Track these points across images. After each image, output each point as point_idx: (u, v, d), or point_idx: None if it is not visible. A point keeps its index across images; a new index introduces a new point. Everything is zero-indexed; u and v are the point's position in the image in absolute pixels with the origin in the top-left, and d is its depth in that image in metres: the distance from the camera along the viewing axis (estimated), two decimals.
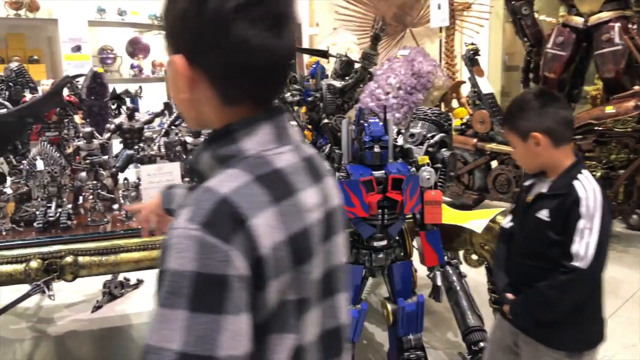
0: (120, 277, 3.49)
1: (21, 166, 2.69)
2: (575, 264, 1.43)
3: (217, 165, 0.80)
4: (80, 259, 2.13)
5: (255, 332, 0.73)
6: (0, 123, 2.30)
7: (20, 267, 2.06)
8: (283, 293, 0.76)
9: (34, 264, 2.06)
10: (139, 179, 2.49)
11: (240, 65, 0.78)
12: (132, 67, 5.34)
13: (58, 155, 2.36)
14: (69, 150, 2.72)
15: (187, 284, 0.68)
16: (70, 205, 2.35)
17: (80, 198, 2.53)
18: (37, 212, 2.23)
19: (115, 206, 2.48)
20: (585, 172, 1.52)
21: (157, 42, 5.56)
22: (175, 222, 0.73)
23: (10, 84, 2.90)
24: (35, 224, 2.19)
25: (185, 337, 0.67)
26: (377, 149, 1.81)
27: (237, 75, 0.79)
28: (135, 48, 5.40)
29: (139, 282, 3.64)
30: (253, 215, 0.72)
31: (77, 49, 4.82)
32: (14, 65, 2.95)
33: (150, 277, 3.56)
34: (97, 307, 3.34)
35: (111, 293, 3.45)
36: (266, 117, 0.82)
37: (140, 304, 3.50)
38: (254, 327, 0.72)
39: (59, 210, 2.24)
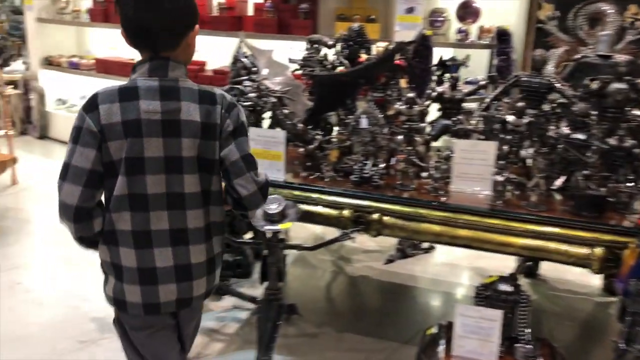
0: None
1: (347, 120, 2.94)
2: None
3: None
4: (385, 218, 2.23)
5: (107, 170, 1.44)
6: (336, 82, 2.52)
7: (335, 212, 2.28)
8: (119, 151, 1.43)
9: (346, 212, 2.25)
10: (451, 151, 2.44)
11: (124, 29, 1.46)
12: (458, 31, 5.27)
13: (381, 116, 2.48)
14: (390, 112, 2.85)
15: (72, 131, 1.44)
16: (383, 165, 2.46)
17: (392, 160, 2.64)
18: (355, 167, 2.41)
19: (424, 174, 2.51)
20: None
21: (489, 5, 5.35)
22: None
23: (350, 42, 3.15)
24: (351, 177, 2.37)
25: (66, 154, 1.44)
26: None
27: (126, 34, 1.47)
28: (466, 12, 5.29)
29: (431, 248, 3.70)
30: (101, 105, 1.42)
31: (410, 10, 4.98)
32: (355, 25, 3.18)
33: (442, 247, 3.58)
34: (389, 261, 3.55)
35: (404, 251, 3.61)
36: (147, 60, 1.46)
37: (427, 268, 3.58)
38: (105, 165, 1.44)
39: (374, 168, 2.37)
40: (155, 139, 1.43)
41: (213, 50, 5.68)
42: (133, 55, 5.92)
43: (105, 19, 5.57)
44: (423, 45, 3.79)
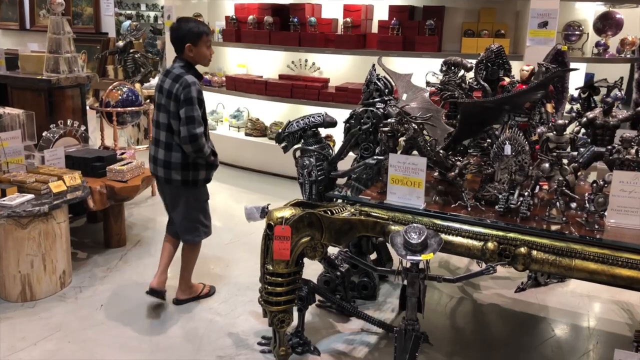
0: None
1: (484, 143, 2.84)
2: None
3: None
4: (534, 252, 2.12)
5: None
6: (482, 108, 2.44)
7: (478, 244, 2.20)
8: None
9: (490, 245, 2.17)
10: (604, 181, 2.27)
11: None
12: (596, 45, 4.92)
13: (525, 142, 2.37)
14: (534, 138, 2.71)
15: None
16: (527, 193, 2.34)
17: (537, 188, 2.51)
18: (500, 196, 2.31)
19: (574, 205, 2.35)
20: None
21: (633, 16, 4.95)
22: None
23: (489, 64, 3.05)
24: (496, 207, 2.28)
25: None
26: None
27: None
28: (606, 24, 4.93)
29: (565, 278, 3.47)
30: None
31: (544, 24, 4.73)
32: (494, 46, 3.08)
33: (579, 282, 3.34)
34: (520, 289, 3.38)
35: (536, 279, 3.41)
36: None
37: (562, 298, 3.36)
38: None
39: (521, 199, 2.27)
40: (160, 94, 2.91)
41: (337, 68, 5.80)
42: (261, 73, 6.24)
43: (236, 39, 5.89)
44: (557, 61, 3.63)
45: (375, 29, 5.45)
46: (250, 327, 2.99)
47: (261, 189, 5.44)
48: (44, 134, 3.94)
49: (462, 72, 2.99)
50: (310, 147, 2.78)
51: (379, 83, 3.09)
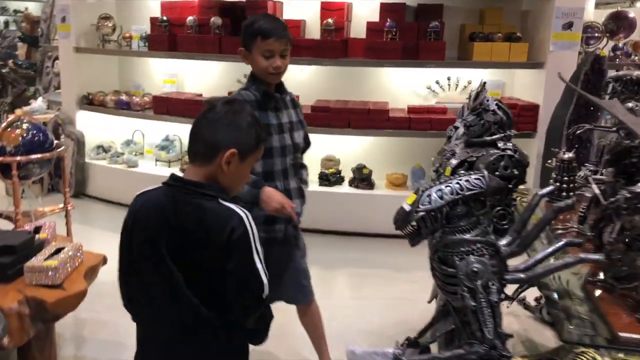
0: None
1: None
2: None
3: None
4: None
5: None
6: None
7: None
8: None
9: None
10: None
11: None
12: (614, 48, 4.31)
13: None
14: None
15: None
16: None
17: None
18: None
19: None
20: None
21: None
22: None
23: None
24: None
25: None
26: None
27: None
28: (620, 25, 4.34)
29: None
30: None
31: (568, 25, 3.98)
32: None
33: None
34: None
35: None
36: None
37: None
38: None
39: None
40: None
41: (303, 83, 4.58)
42: (197, 90, 4.81)
43: (170, 47, 4.41)
44: (594, 70, 2.99)
45: (356, 32, 4.33)
46: None
47: None
48: None
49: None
50: (467, 236, 1.57)
51: (499, 112, 2.04)
